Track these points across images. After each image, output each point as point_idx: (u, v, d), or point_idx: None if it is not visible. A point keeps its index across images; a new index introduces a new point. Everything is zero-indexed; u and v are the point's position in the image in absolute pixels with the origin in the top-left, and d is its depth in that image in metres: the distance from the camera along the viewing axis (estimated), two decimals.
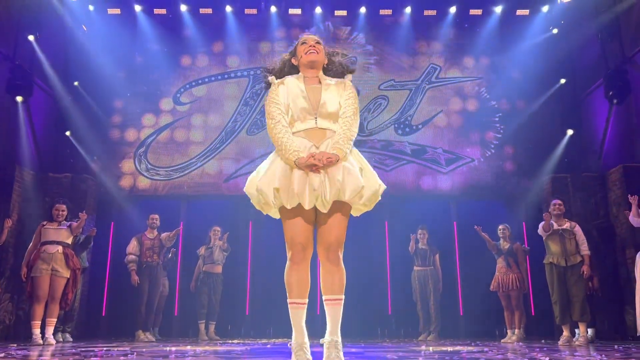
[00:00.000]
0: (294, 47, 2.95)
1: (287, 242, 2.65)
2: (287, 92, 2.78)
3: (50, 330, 5.97)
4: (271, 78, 2.85)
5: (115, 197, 9.03)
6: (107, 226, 8.84)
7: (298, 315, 2.63)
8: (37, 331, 5.85)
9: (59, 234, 6.15)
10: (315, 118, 2.71)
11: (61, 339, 6.74)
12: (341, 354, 2.58)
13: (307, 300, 2.65)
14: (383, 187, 2.68)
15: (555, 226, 6.31)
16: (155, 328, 7.73)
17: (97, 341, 6.77)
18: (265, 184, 2.61)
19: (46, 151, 8.88)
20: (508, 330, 7.32)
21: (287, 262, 2.65)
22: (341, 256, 2.64)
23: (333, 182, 2.55)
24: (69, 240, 6.24)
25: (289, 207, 2.59)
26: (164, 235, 7.54)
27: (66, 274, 6.07)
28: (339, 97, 2.78)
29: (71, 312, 7.01)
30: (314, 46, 2.85)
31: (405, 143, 9.36)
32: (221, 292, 7.90)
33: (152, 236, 7.57)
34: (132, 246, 7.47)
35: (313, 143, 2.66)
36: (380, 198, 2.70)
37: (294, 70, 2.92)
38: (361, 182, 2.56)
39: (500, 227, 7.51)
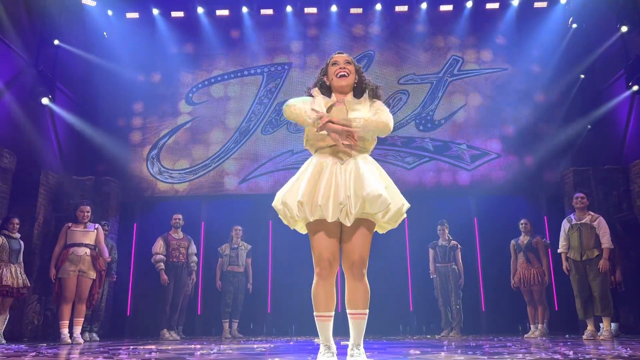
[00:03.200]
0: (325, 66, 2.96)
1: (314, 258, 2.71)
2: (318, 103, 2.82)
3: (78, 329, 6.11)
4: (314, 90, 2.90)
5: (137, 198, 9.19)
6: (130, 227, 8.99)
7: (325, 327, 2.70)
8: (65, 331, 6.00)
9: (86, 237, 6.27)
10: None
11: (88, 339, 6.89)
12: (362, 351, 2.66)
13: (333, 314, 2.72)
14: (407, 205, 2.70)
15: (574, 220, 6.26)
16: (179, 327, 7.84)
17: (123, 340, 6.90)
18: (290, 197, 2.68)
19: (69, 154, 9.06)
20: (531, 325, 7.28)
21: (315, 277, 2.70)
22: (365, 272, 2.68)
23: (358, 197, 2.57)
24: (95, 243, 6.37)
25: (312, 219, 2.64)
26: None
27: (93, 275, 6.20)
28: (368, 110, 2.80)
29: (98, 312, 7.16)
30: (344, 68, 2.86)
31: (427, 139, 9.28)
32: (245, 291, 7.99)
33: (178, 236, 7.68)
34: (159, 246, 7.57)
35: (337, 160, 2.70)
36: (405, 216, 2.72)
37: (327, 91, 2.93)
38: (387, 199, 2.58)
39: (521, 221, 7.46)
